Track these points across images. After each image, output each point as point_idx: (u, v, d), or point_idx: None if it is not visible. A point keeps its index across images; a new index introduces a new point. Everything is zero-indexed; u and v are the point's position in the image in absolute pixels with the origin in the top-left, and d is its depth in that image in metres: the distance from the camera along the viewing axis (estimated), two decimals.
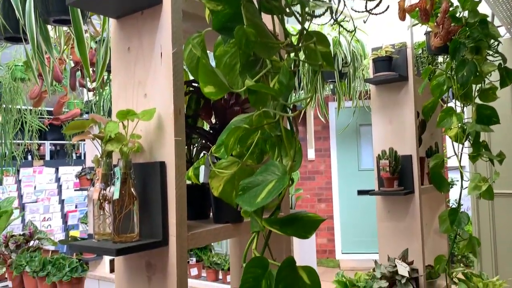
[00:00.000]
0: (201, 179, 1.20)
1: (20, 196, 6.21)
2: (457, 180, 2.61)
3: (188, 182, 1.16)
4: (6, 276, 2.79)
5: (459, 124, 2.02)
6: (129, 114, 1.03)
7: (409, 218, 2.32)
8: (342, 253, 6.15)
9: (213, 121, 1.34)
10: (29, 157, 6.77)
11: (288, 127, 0.93)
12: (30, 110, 3.78)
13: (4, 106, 3.46)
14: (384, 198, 2.40)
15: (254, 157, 1.01)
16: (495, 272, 3.50)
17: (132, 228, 1.00)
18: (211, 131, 1.29)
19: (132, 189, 1.01)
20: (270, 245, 0.89)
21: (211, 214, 1.27)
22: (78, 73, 2.32)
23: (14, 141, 3.85)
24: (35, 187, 6.43)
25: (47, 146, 7.55)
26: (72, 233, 6.00)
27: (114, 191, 1.00)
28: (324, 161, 6.28)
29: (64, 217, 6.54)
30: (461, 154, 2.06)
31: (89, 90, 2.35)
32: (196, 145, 1.35)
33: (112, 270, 4.10)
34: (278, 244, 1.29)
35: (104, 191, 1.04)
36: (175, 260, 1.00)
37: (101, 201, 1.05)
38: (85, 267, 2.38)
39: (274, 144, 0.98)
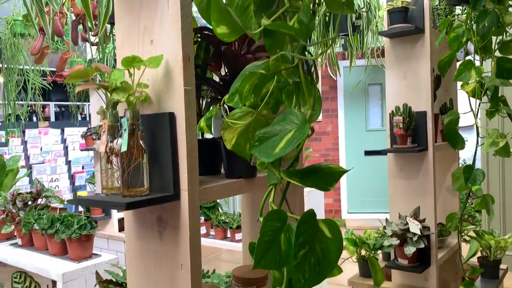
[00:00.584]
0: (212, 133, 1.15)
1: (27, 157, 6.22)
2: (467, 140, 2.54)
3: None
4: (15, 234, 2.81)
5: (477, 78, 1.93)
6: (134, 61, 0.96)
7: (422, 175, 2.27)
8: (348, 213, 6.19)
9: (223, 73, 1.27)
10: (34, 119, 6.74)
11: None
12: (33, 69, 3.70)
13: (5, 65, 3.37)
14: (397, 155, 2.34)
15: (269, 107, 0.95)
16: (504, 230, 3.49)
17: (142, 182, 0.96)
18: (221, 82, 1.22)
19: (140, 141, 0.96)
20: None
21: (222, 170, 1.22)
22: (80, 26, 2.22)
23: (18, 102, 3.79)
24: (41, 148, 6.43)
25: (52, 107, 7.51)
26: (80, 193, 6.05)
27: (122, 143, 0.95)
28: (331, 122, 6.21)
29: (71, 178, 6.58)
30: (478, 110, 1.98)
31: (92, 44, 2.26)
32: (206, 97, 1.28)
33: (120, 229, 4.14)
34: (292, 198, 1.25)
35: (111, 144, 0.99)
36: (187, 215, 0.96)
37: (109, 154, 0.99)
38: (94, 224, 2.37)
39: (291, 92, 0.91)
